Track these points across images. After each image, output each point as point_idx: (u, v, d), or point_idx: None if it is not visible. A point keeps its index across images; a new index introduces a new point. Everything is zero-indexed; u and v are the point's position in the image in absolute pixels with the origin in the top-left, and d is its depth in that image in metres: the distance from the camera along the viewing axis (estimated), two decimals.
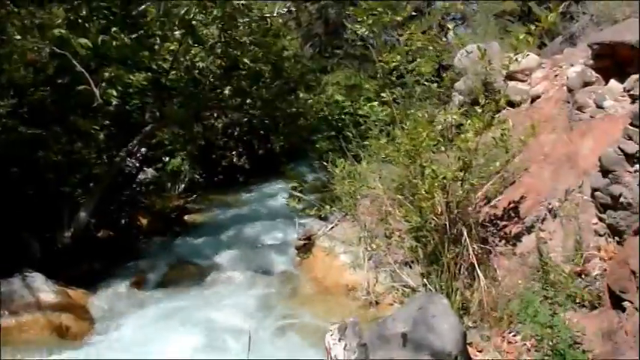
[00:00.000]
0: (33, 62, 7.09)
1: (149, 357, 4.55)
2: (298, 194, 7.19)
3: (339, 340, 2.81)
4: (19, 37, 6.40)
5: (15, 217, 6.56)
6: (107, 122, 7.57)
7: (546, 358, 3.29)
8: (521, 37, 4.07)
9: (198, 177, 10.49)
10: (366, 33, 4.97)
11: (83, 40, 6.25)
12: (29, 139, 6.70)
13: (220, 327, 5.15)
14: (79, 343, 5.07)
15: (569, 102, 5.56)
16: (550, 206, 4.83)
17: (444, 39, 9.46)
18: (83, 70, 5.46)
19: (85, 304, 5.82)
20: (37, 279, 5.62)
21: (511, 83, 6.69)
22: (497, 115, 4.78)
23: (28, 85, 7.09)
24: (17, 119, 6.78)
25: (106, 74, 6.75)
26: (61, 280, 5.95)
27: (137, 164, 8.94)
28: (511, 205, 5.15)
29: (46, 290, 5.54)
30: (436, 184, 4.26)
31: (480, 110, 4.53)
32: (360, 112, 8.71)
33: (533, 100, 6.52)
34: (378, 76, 5.00)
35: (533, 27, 4.04)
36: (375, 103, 8.14)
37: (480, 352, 3.99)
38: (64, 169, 7.05)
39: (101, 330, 5.39)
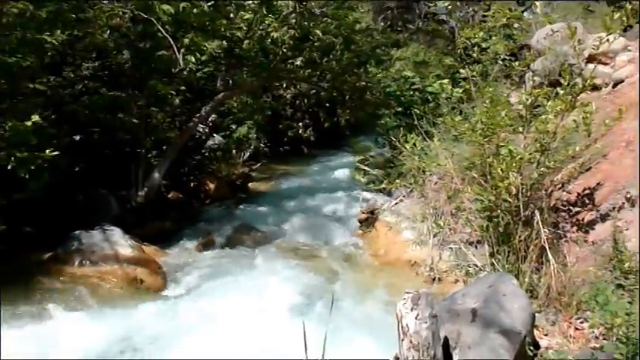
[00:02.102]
0: (117, 27, 7.37)
1: (217, 316, 4.74)
2: (364, 167, 7.27)
3: (412, 309, 2.86)
4: (106, 1, 6.69)
5: (95, 175, 6.96)
6: (182, 88, 7.81)
7: (618, 346, 3.23)
8: (616, 16, 3.90)
9: (263, 146, 10.70)
10: (449, 7, 4.87)
11: (165, 7, 6.44)
12: (109, 102, 7.02)
13: (284, 290, 5.27)
14: (153, 295, 5.36)
15: None
16: (628, 195, 4.67)
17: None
18: (168, 36, 5.63)
19: (157, 259, 6.12)
20: (116, 233, 5.95)
21: (592, 66, 6.43)
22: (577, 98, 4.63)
23: (110, 49, 7.40)
24: (99, 82, 7.10)
25: (186, 40, 6.96)
26: (135, 236, 6.28)
27: (207, 130, 9.21)
28: (586, 192, 5.01)
29: (123, 244, 5.86)
30: (513, 164, 4.21)
31: (562, 92, 4.41)
32: (429, 89, 8.65)
33: (615, 84, 6.26)
34: (458, 51, 4.91)
35: (628, 6, 3.86)
36: (446, 81, 8.05)
37: (546, 335, 3.96)
38: (140, 132, 7.34)
39: (173, 285, 5.68)
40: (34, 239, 5.91)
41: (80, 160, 6.91)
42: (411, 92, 9.11)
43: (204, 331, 4.38)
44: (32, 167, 5.12)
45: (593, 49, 4.23)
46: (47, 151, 5.22)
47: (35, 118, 5.16)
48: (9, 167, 5.02)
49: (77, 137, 6.94)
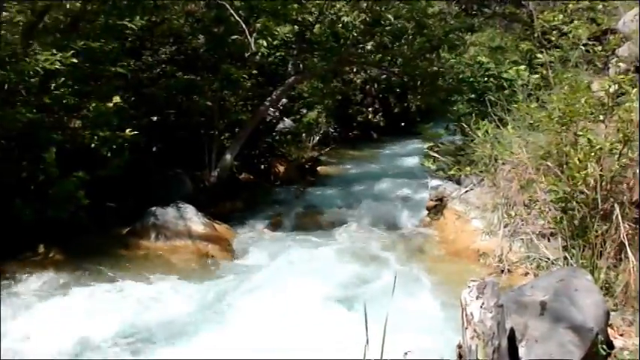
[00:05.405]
0: (192, 12, 7.62)
1: (283, 295, 4.83)
2: (434, 154, 7.15)
3: (477, 297, 2.81)
4: None
5: (171, 155, 7.27)
6: (254, 72, 7.96)
7: None
8: None
9: (332, 131, 10.74)
10: None
11: None
12: (185, 85, 7.28)
13: (349, 274, 5.31)
14: (222, 271, 5.55)
15: None
16: None
17: None
18: (240, 21, 5.75)
19: (228, 237, 6.34)
20: (189, 211, 6.21)
21: None
22: None
23: (186, 34, 7.66)
24: (175, 66, 7.38)
25: (258, 25, 7.07)
26: (207, 214, 6.52)
27: (277, 114, 9.36)
28: None
29: (196, 221, 6.12)
30: (592, 154, 4.00)
31: None
32: (505, 75, 8.35)
33: None
34: (536, 35, 4.70)
35: None
36: (522, 67, 7.75)
37: (621, 335, 3.77)
38: (213, 114, 7.58)
39: (242, 263, 5.85)
40: (115, 214, 6.27)
41: (157, 140, 7.25)
42: (486, 78, 8.82)
43: (264, 308, 4.50)
44: (114, 146, 5.48)
45: None
46: (127, 131, 5.57)
47: (116, 99, 5.48)
48: (92, 146, 5.37)
49: (155, 118, 7.26)
